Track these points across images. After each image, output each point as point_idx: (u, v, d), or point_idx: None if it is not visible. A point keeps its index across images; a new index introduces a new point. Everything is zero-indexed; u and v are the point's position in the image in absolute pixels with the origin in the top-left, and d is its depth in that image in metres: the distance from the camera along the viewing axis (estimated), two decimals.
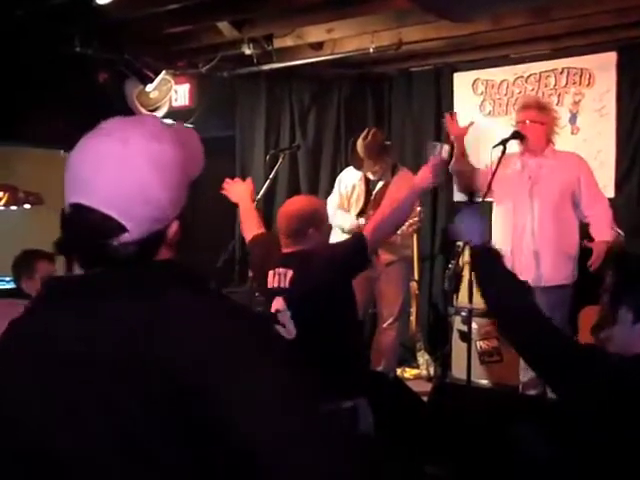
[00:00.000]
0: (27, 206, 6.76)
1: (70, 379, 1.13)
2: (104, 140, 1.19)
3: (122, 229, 1.16)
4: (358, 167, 5.11)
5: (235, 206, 3.88)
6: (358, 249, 3.10)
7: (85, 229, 1.18)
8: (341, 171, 5.57)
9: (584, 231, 4.47)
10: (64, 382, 1.14)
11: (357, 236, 3.21)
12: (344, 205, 5.18)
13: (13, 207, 6.86)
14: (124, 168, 1.17)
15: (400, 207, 3.23)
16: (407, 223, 4.57)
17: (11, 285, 4.56)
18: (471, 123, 4.60)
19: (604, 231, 4.37)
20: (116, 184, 1.16)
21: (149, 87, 5.44)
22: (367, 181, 5.15)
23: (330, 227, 3.76)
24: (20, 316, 1.24)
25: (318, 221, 3.30)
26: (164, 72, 5.53)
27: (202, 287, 1.23)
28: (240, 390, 1.08)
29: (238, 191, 3.83)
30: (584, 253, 4.40)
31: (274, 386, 1.10)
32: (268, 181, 5.01)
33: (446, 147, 3.42)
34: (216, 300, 1.23)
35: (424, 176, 3.21)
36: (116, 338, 1.12)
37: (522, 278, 4.37)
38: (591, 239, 4.40)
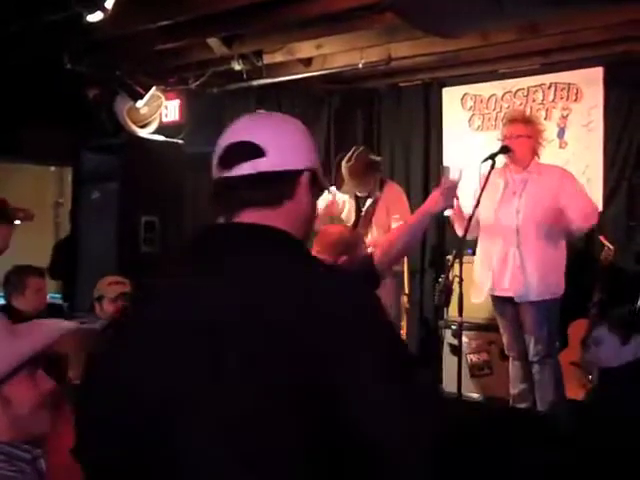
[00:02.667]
0: (17, 222, 6.73)
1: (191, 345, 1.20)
2: None
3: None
4: (339, 188, 5.12)
5: None
6: (368, 275, 3.05)
7: None
8: (330, 186, 5.58)
9: (570, 246, 4.48)
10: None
11: (368, 262, 3.09)
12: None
13: None
14: None
15: (410, 232, 3.09)
16: None
17: (1, 301, 4.54)
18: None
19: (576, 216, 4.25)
20: None
21: (139, 103, 5.45)
22: (357, 198, 5.16)
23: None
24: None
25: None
26: (154, 88, 5.55)
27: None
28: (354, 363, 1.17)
29: None
30: (573, 267, 4.42)
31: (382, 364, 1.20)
32: None
33: (458, 169, 3.24)
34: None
35: (435, 200, 3.02)
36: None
37: (509, 293, 4.40)
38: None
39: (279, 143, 1.34)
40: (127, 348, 1.26)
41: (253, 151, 1.31)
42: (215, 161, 1.36)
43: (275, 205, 1.33)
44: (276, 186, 1.33)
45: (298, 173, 1.35)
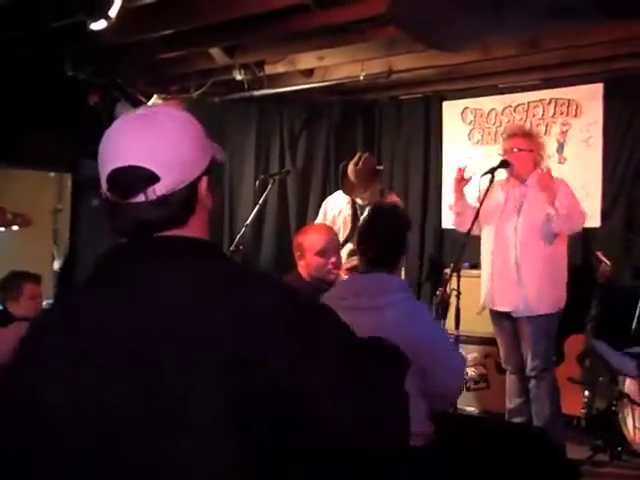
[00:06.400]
0: (15, 228, 6.74)
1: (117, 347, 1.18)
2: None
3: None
4: (348, 192, 5.12)
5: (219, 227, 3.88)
6: None
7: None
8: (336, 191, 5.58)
9: (568, 261, 4.47)
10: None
11: None
12: None
13: (1, 228, 6.84)
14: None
15: None
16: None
17: None
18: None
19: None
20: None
21: None
22: (354, 206, 5.17)
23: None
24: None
25: None
26: (155, 96, 5.55)
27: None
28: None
29: None
30: (570, 282, 4.42)
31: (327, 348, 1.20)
32: (257, 206, 5.03)
33: None
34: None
35: None
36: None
37: (507, 308, 4.40)
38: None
39: (171, 160, 1.25)
40: (45, 373, 1.21)
41: (146, 178, 1.23)
42: (104, 184, 1.27)
43: (182, 224, 1.28)
44: (178, 205, 1.26)
45: (196, 181, 1.29)
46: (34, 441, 1.19)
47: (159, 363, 1.15)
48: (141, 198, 1.23)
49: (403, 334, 2.45)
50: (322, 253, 3.53)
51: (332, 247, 3.60)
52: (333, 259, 3.57)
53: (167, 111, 1.33)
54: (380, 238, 2.75)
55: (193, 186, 1.28)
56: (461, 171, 4.53)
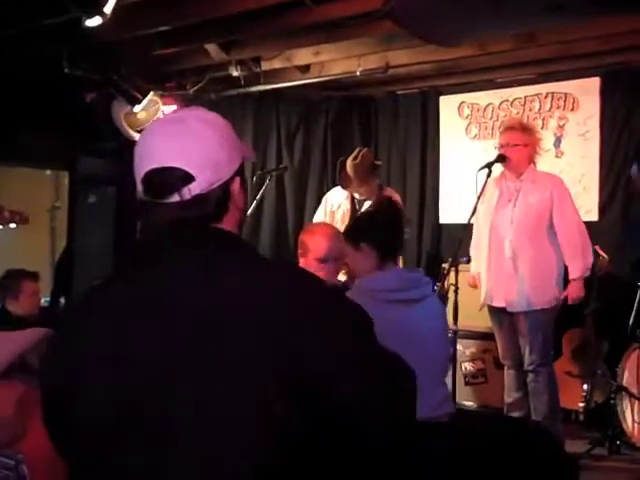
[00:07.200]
0: (13, 225, 6.74)
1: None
2: None
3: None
4: (345, 187, 5.13)
5: None
6: None
7: None
8: (327, 192, 5.59)
9: None
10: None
11: None
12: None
13: None
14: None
15: None
16: None
17: None
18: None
19: (575, 267, 4.30)
20: None
21: (137, 108, 5.45)
22: (353, 201, 5.17)
23: None
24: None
25: None
26: (152, 93, 5.54)
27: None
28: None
29: None
30: (567, 277, 4.41)
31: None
32: (255, 202, 5.02)
33: None
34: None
35: None
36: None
37: (503, 303, 4.42)
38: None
39: (206, 161, 1.29)
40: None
41: (182, 178, 1.27)
42: (139, 184, 1.32)
43: (216, 221, 1.32)
44: (212, 204, 1.30)
45: (229, 181, 1.33)
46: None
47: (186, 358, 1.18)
48: (176, 198, 1.28)
49: (442, 322, 2.76)
50: (323, 260, 3.51)
51: (334, 254, 3.56)
52: (332, 267, 3.53)
53: (200, 113, 1.37)
54: (394, 230, 2.82)
55: (226, 186, 1.32)
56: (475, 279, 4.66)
